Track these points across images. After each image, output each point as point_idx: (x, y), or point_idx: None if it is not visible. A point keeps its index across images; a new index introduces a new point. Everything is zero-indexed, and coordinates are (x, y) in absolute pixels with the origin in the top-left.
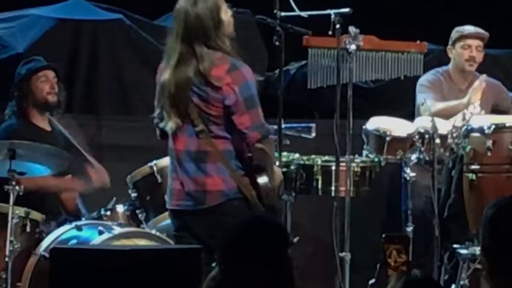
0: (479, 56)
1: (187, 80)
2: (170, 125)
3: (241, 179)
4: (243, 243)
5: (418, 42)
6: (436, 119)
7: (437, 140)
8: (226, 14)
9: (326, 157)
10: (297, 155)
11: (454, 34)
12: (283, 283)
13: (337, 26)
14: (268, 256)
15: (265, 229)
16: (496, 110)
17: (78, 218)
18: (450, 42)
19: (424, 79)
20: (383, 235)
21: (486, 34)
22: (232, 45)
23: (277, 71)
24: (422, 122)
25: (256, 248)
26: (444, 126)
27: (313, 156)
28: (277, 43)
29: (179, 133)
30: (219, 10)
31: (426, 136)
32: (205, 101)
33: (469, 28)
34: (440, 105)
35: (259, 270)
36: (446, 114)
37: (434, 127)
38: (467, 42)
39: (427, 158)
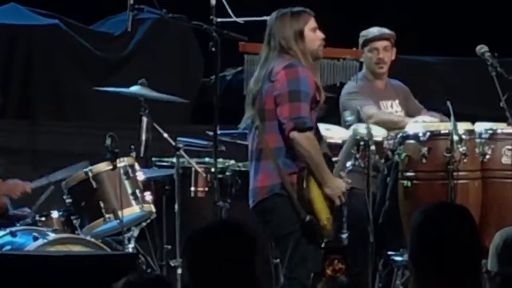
0: (387, 56)
1: (258, 79)
2: (242, 124)
3: (286, 177)
4: (207, 247)
5: (354, 49)
6: (372, 126)
7: (372, 147)
8: (311, 31)
9: None
10: (232, 162)
11: (360, 39)
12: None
13: None
14: (235, 261)
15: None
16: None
17: (9, 220)
18: (360, 47)
19: (351, 87)
20: (323, 245)
21: (391, 33)
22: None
23: (213, 77)
24: (357, 129)
25: (222, 252)
26: (379, 133)
27: (248, 162)
28: (213, 49)
29: (250, 133)
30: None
31: (362, 143)
32: (262, 96)
33: (373, 31)
34: (385, 116)
35: (225, 275)
36: (387, 126)
37: (369, 134)
38: (373, 45)
39: (362, 165)
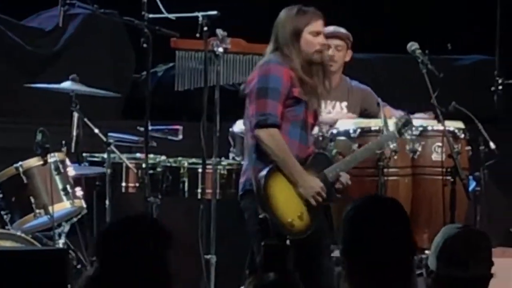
0: (338, 56)
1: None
2: None
3: (255, 173)
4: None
5: None
6: None
7: None
8: (310, 34)
9: (193, 160)
10: (163, 157)
11: None
12: (158, 282)
13: (205, 28)
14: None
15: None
16: (364, 114)
17: None
18: None
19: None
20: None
21: (346, 33)
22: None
23: (144, 73)
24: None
25: (130, 245)
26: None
27: (180, 158)
28: (144, 45)
29: None
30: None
31: None
32: (247, 95)
33: (328, 29)
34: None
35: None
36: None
37: None
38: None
39: None
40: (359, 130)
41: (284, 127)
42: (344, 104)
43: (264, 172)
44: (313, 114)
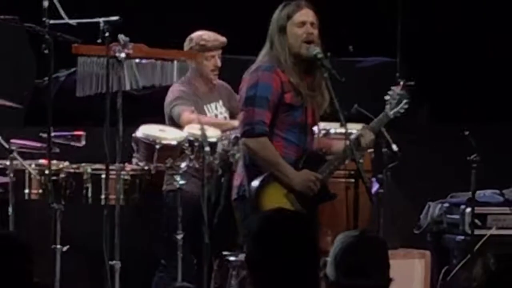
0: (220, 63)
1: None
2: None
3: (247, 180)
4: None
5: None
6: (206, 126)
7: (207, 148)
8: (295, 25)
9: (96, 165)
10: (66, 163)
11: (195, 46)
12: None
13: (106, 34)
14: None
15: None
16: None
17: None
18: (189, 51)
19: (175, 91)
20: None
21: (225, 40)
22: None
23: (46, 78)
24: (192, 130)
25: None
26: (214, 134)
27: (83, 164)
28: (46, 51)
29: None
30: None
31: (196, 144)
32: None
33: (211, 39)
34: (206, 120)
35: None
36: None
37: (204, 135)
38: (212, 54)
39: (197, 166)
40: (323, 132)
41: (279, 133)
42: (220, 102)
43: (257, 182)
44: (312, 113)
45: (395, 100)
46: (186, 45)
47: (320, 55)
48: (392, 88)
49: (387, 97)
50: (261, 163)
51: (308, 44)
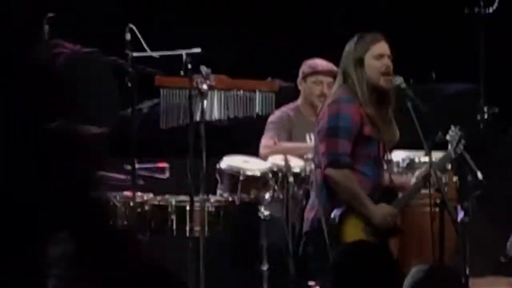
0: (329, 92)
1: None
2: None
3: (325, 212)
4: None
5: (269, 79)
6: (289, 157)
7: (291, 178)
8: (373, 58)
9: (181, 197)
10: (151, 195)
11: (306, 68)
12: None
13: (189, 66)
14: None
15: None
16: None
17: None
18: (301, 76)
19: (273, 117)
20: None
21: (337, 70)
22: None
23: (129, 110)
24: (275, 160)
25: None
26: (297, 164)
27: (167, 196)
28: (129, 84)
29: None
30: (363, 50)
31: (280, 174)
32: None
33: (321, 64)
34: (288, 145)
35: None
36: (295, 154)
37: (287, 165)
38: (319, 78)
39: (281, 196)
40: (407, 161)
41: (356, 166)
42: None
43: (337, 214)
44: (384, 146)
45: (455, 140)
46: (301, 69)
47: (403, 85)
48: (452, 128)
49: (448, 137)
50: (343, 195)
51: (387, 75)
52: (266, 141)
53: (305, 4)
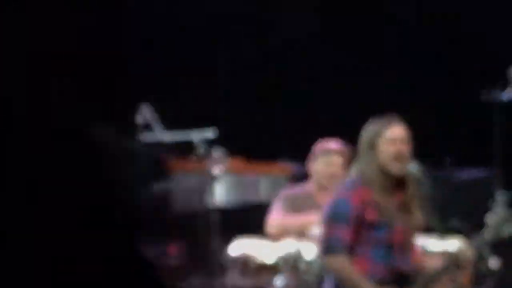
0: (340, 173)
1: None
2: None
3: None
4: None
5: (281, 163)
6: (301, 244)
7: (302, 266)
8: (387, 143)
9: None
10: None
11: (317, 149)
12: None
13: (201, 150)
14: None
15: None
16: None
17: None
18: (312, 156)
19: (280, 195)
20: None
21: (349, 151)
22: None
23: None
24: (286, 246)
25: None
26: (309, 250)
27: None
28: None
29: None
30: (376, 134)
31: (292, 261)
32: None
33: (333, 145)
34: (289, 221)
35: None
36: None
37: (298, 253)
38: (331, 159)
39: (293, 284)
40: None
41: (364, 250)
42: None
43: None
44: (403, 231)
45: (497, 223)
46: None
47: (417, 173)
48: (499, 209)
49: (489, 220)
50: (340, 281)
51: (399, 161)
52: (272, 219)
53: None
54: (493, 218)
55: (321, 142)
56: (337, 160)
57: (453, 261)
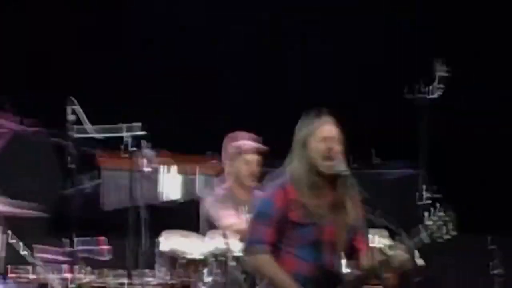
0: (257, 170)
1: None
2: None
3: None
4: None
5: (211, 161)
6: (231, 240)
7: (232, 262)
8: (317, 140)
9: (120, 280)
10: (93, 277)
11: (232, 150)
12: None
13: (131, 147)
14: None
15: None
16: None
17: None
18: (227, 157)
19: (213, 197)
20: None
21: (264, 147)
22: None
23: (71, 189)
24: (216, 242)
25: None
26: (238, 246)
27: (108, 278)
28: (72, 165)
29: None
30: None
31: (221, 257)
32: None
33: (247, 144)
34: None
35: None
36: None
37: (228, 249)
38: (247, 158)
39: (222, 280)
40: None
41: (290, 249)
42: None
43: None
44: (332, 230)
45: (437, 226)
46: (225, 147)
47: (344, 173)
48: (438, 213)
49: (429, 222)
50: (264, 279)
51: (329, 160)
52: (228, 220)
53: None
54: (429, 220)
55: (234, 137)
56: (255, 158)
57: (381, 261)
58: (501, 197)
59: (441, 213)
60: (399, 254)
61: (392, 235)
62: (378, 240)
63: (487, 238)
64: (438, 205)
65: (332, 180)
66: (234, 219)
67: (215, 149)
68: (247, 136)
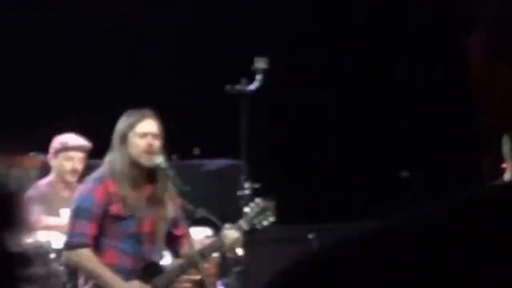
0: (80, 167)
1: None
2: None
3: None
4: None
5: (31, 155)
6: (52, 233)
7: (52, 255)
8: (137, 136)
9: None
10: None
11: (57, 145)
12: None
13: None
14: None
15: None
16: None
17: None
18: (52, 151)
19: (30, 193)
20: None
21: (89, 145)
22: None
23: None
24: (36, 235)
25: None
26: (60, 240)
27: None
28: None
29: None
30: (127, 127)
31: (41, 250)
32: None
33: (72, 140)
34: (50, 222)
35: None
36: (57, 230)
37: (49, 242)
38: (70, 154)
39: (42, 273)
40: None
41: (111, 243)
42: None
43: None
44: (152, 223)
45: (255, 213)
46: (51, 146)
47: (163, 165)
48: (257, 200)
49: (247, 209)
50: (85, 275)
51: (149, 154)
52: (42, 218)
53: None
54: (249, 209)
55: (60, 137)
56: (77, 155)
57: (200, 250)
58: (319, 188)
59: (259, 201)
60: (231, 233)
61: (215, 229)
62: (200, 235)
63: (306, 227)
64: (257, 194)
65: (152, 173)
66: (50, 218)
67: (37, 148)
68: (73, 136)
